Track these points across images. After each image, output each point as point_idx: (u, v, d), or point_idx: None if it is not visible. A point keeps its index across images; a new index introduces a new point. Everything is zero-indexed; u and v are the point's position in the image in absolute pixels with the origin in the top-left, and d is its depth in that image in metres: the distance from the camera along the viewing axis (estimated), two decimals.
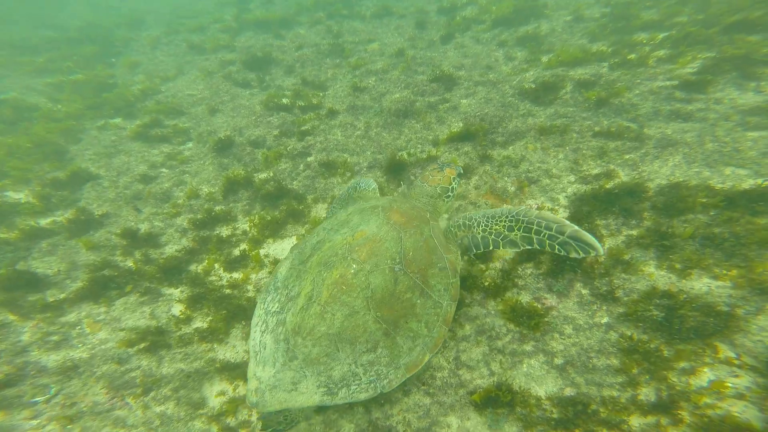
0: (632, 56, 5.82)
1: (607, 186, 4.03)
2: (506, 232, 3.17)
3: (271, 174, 5.65)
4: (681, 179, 3.86)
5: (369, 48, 8.47)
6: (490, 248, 3.22)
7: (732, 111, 4.44)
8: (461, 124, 5.51)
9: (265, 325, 2.91)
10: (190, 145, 6.77)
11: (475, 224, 3.29)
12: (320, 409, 3.11)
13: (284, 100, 7.13)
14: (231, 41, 10.72)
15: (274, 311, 2.93)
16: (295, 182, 5.46)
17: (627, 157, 4.37)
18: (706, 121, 4.47)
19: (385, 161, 5.18)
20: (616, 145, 4.54)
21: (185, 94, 8.36)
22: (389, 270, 2.79)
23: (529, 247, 3.07)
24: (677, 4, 7.17)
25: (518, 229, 3.12)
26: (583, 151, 4.60)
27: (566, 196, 4.19)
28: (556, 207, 4.12)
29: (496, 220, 3.21)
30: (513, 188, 4.42)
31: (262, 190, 5.37)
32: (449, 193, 3.43)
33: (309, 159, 5.75)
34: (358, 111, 6.34)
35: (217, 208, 5.39)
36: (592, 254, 2.92)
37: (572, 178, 4.38)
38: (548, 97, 5.36)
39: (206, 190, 5.72)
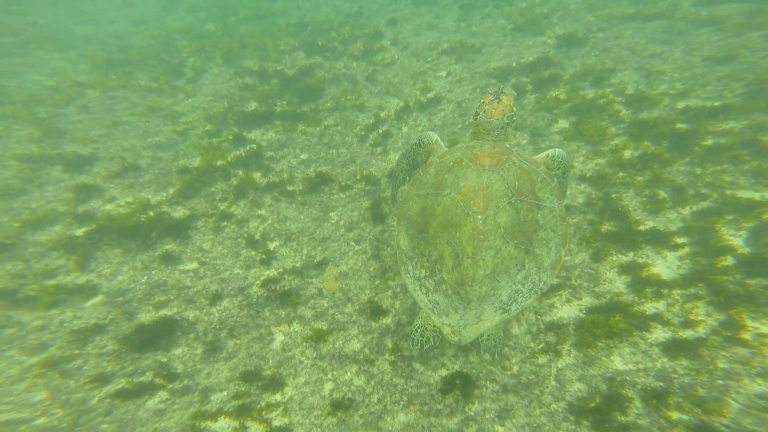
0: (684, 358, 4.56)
1: None
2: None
3: None
4: None
5: (326, 286, 6.11)
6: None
7: None
8: None
9: (425, 288, 3.48)
10: None
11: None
12: None
13: None
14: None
15: (425, 276, 3.46)
16: None
17: None
18: None
19: None
20: None
21: None
22: (508, 205, 3.25)
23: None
24: (652, 184, 6.63)
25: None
26: None
27: None
28: None
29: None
30: None
31: None
32: (514, 118, 3.64)
33: None
34: None
35: None
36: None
37: None
38: None
39: None
